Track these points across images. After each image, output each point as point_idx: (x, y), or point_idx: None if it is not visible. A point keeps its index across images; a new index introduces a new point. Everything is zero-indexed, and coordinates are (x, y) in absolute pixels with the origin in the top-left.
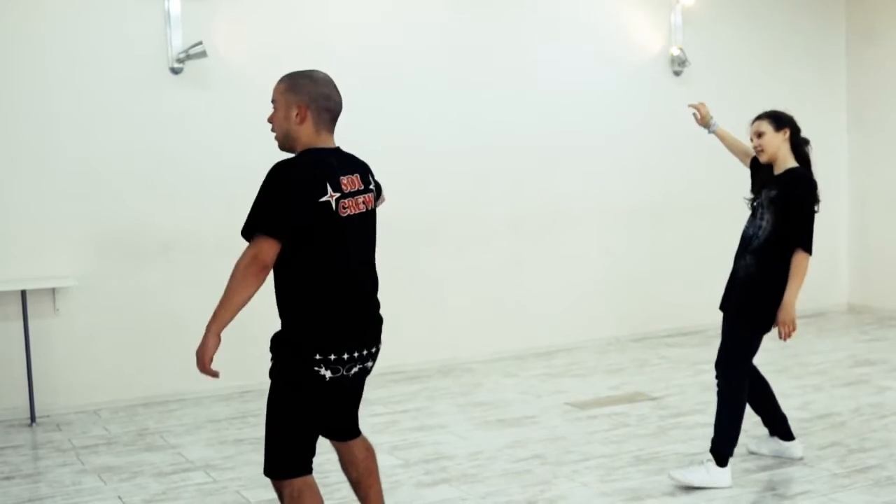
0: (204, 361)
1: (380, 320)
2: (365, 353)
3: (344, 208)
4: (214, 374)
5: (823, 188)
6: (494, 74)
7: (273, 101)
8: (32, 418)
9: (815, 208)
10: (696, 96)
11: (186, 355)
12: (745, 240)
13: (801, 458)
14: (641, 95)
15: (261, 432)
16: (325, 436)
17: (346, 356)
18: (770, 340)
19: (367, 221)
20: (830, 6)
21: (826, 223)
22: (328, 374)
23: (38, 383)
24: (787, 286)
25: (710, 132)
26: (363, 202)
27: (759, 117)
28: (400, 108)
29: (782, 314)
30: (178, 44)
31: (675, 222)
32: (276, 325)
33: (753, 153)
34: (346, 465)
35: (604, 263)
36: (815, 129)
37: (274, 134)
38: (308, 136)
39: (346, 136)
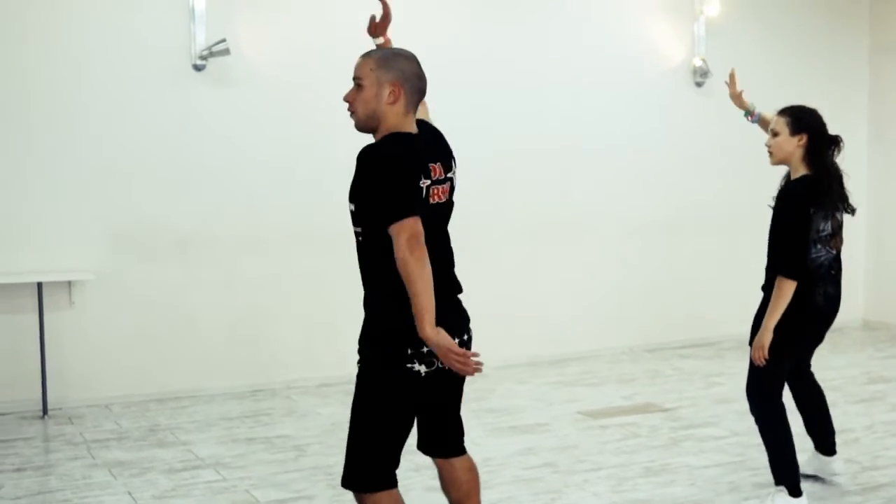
0: (456, 354)
1: (465, 310)
2: (457, 341)
3: (433, 196)
4: (479, 364)
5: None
6: (514, 80)
7: (358, 79)
8: (45, 411)
9: (823, 223)
10: (718, 108)
11: (200, 352)
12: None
13: (842, 473)
14: (662, 105)
15: (272, 431)
16: (428, 452)
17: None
18: None
19: (447, 211)
20: (854, 21)
21: (851, 238)
22: (423, 368)
23: (52, 376)
24: (767, 311)
25: (752, 121)
26: (443, 192)
27: (781, 112)
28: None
29: (756, 337)
30: (201, 41)
31: (691, 234)
32: (286, 325)
33: None
34: (448, 485)
35: (619, 273)
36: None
37: (352, 112)
38: (397, 117)
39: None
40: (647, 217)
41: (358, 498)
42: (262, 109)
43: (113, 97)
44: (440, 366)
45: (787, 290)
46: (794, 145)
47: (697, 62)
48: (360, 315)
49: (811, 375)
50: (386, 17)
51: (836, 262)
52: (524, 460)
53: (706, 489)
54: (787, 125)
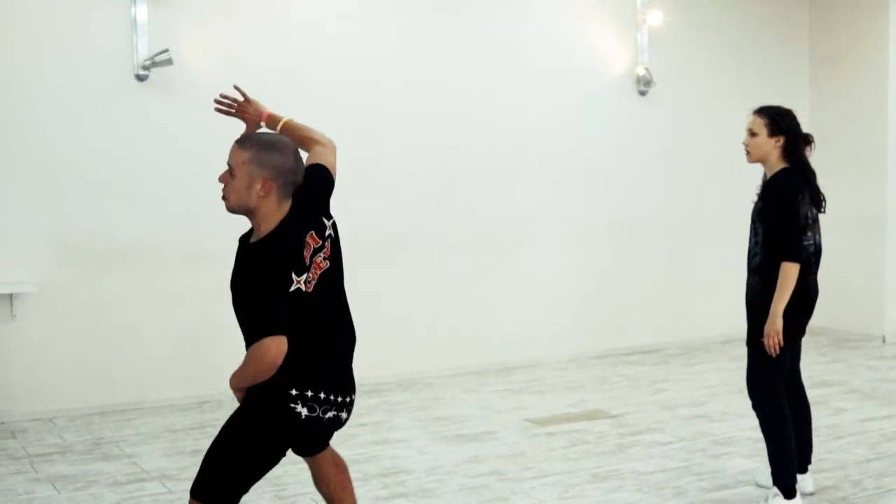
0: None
1: (352, 373)
2: (340, 399)
3: (309, 282)
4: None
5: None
6: (456, 88)
7: (230, 166)
8: None
9: (809, 212)
10: (661, 116)
11: (145, 364)
12: (748, 257)
13: (811, 494)
14: (606, 114)
15: None
16: (296, 453)
17: (322, 396)
18: (729, 360)
19: (331, 274)
20: (794, 30)
21: None
22: (304, 411)
23: None
24: (773, 298)
25: None
26: (324, 258)
27: (758, 112)
28: (361, 120)
29: (767, 326)
30: (143, 51)
31: (636, 242)
32: (231, 335)
33: None
34: (318, 481)
35: (564, 281)
36: None
37: (227, 200)
38: (269, 208)
39: None
40: (591, 225)
41: None
42: (205, 119)
43: (54, 107)
44: (320, 415)
45: (792, 273)
46: (771, 146)
47: (641, 71)
48: None
49: (801, 383)
50: (246, 101)
51: (817, 255)
52: (471, 468)
53: (652, 494)
54: (766, 126)
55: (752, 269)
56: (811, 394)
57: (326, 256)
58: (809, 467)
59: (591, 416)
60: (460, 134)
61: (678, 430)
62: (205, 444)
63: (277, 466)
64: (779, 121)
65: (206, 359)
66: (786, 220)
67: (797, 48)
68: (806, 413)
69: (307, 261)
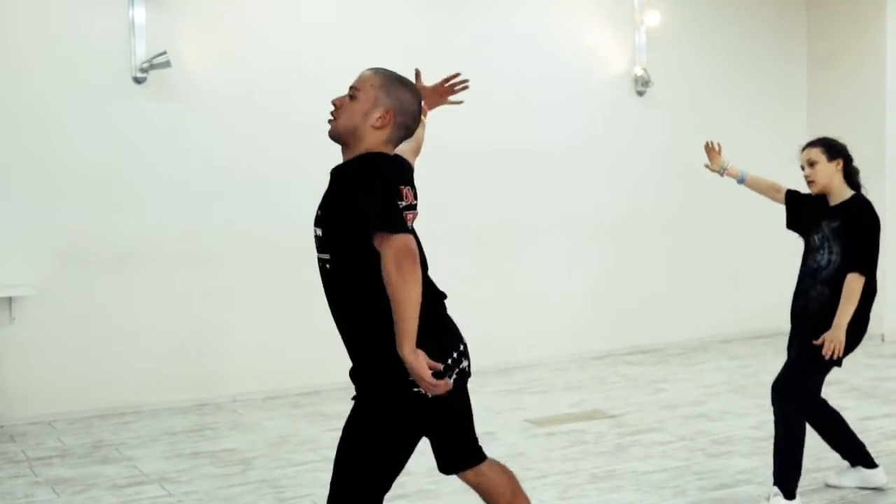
0: (429, 381)
1: (453, 324)
2: (455, 354)
3: (408, 217)
4: (447, 386)
5: (779, 208)
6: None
7: (354, 89)
8: None
9: (878, 235)
10: (659, 117)
11: (144, 367)
12: (813, 272)
13: (885, 485)
14: (604, 114)
15: (217, 445)
16: (448, 471)
17: (441, 365)
18: (728, 360)
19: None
20: (792, 31)
21: (781, 246)
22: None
23: None
24: (839, 308)
25: (738, 181)
26: (411, 218)
27: (811, 145)
28: None
29: (831, 332)
30: (141, 53)
31: (635, 241)
32: (230, 338)
33: (782, 187)
34: (490, 496)
35: (564, 281)
36: (774, 152)
37: (333, 118)
38: (376, 143)
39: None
40: (590, 225)
41: None
42: (203, 121)
43: (53, 110)
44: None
45: (859, 285)
46: (833, 170)
47: (639, 71)
48: (302, 328)
49: (825, 402)
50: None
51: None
52: None
53: (652, 494)
54: (823, 153)
55: (822, 281)
56: None
57: (413, 219)
58: (881, 462)
59: (591, 416)
60: (459, 134)
61: (678, 430)
62: (204, 446)
63: (275, 468)
64: (833, 145)
65: (204, 361)
66: (871, 238)
67: (795, 48)
68: (840, 419)
69: (406, 198)
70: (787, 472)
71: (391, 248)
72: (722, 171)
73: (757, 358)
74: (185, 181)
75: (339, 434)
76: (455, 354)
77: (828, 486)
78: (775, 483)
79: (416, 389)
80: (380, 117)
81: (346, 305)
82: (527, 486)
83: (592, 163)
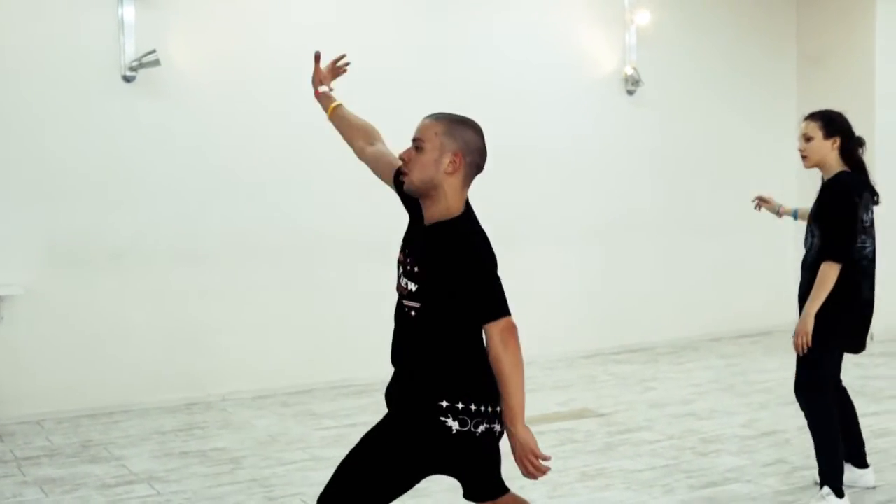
0: (536, 457)
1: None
2: (491, 408)
3: None
4: (546, 469)
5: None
6: (445, 88)
7: (418, 140)
8: None
9: (866, 214)
10: (649, 116)
11: (133, 366)
12: (804, 256)
13: (873, 488)
14: (594, 114)
15: (207, 444)
16: (473, 499)
17: (473, 407)
18: (717, 358)
19: None
20: (782, 30)
21: (769, 245)
22: (455, 425)
23: None
24: (809, 297)
25: (793, 217)
26: None
27: (811, 117)
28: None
29: (798, 324)
30: (130, 52)
31: (625, 241)
32: (220, 337)
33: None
34: None
35: (554, 280)
36: (765, 151)
37: (405, 173)
38: (454, 188)
39: (297, 147)
40: (580, 224)
41: None
42: (194, 120)
43: (42, 109)
44: (472, 430)
45: (832, 274)
46: (828, 148)
47: (629, 71)
48: (292, 327)
49: (842, 385)
50: (326, 67)
51: (874, 262)
52: None
53: (641, 492)
54: (821, 128)
55: (806, 267)
56: None
57: None
58: (868, 461)
59: (580, 414)
60: None
61: (666, 429)
62: (193, 445)
63: (264, 468)
64: (833, 122)
65: (194, 361)
66: (839, 221)
67: (785, 48)
68: (850, 411)
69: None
70: (833, 470)
71: (497, 330)
72: (779, 212)
73: (746, 357)
74: (177, 180)
75: (328, 433)
76: (489, 410)
77: (817, 483)
78: (823, 483)
79: (441, 418)
80: (451, 162)
81: (421, 348)
82: (516, 485)
83: (583, 162)
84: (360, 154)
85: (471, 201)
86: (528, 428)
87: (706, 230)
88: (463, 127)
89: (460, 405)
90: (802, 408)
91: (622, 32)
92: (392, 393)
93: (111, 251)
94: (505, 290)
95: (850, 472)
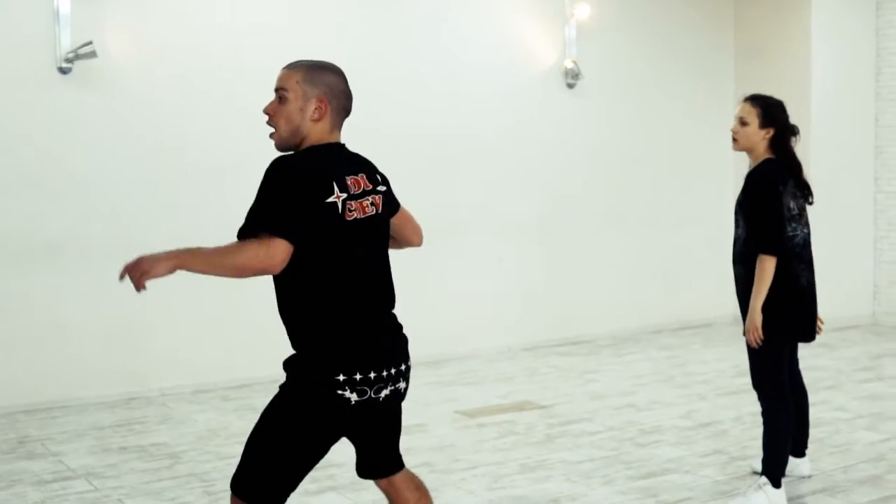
0: (144, 274)
1: (403, 335)
2: (394, 371)
3: (350, 211)
4: (143, 288)
5: (709, 200)
6: (385, 81)
7: (281, 90)
8: None
9: (794, 203)
10: (589, 109)
11: (71, 361)
12: (733, 248)
13: (808, 477)
14: (535, 107)
15: (146, 440)
16: (364, 475)
17: (372, 375)
18: (658, 350)
19: (375, 226)
20: (720, 23)
21: (710, 238)
22: (353, 396)
23: None
24: (752, 292)
25: None
26: (371, 204)
27: (751, 101)
28: None
29: (747, 321)
30: (66, 43)
31: (565, 233)
32: (160, 331)
33: None
34: None
35: (495, 272)
36: (704, 143)
37: (273, 129)
38: (321, 134)
39: (234, 139)
40: (521, 217)
41: (235, 501)
42: (131, 112)
43: None
44: (372, 396)
45: (769, 266)
46: (760, 136)
47: (569, 64)
48: (232, 320)
49: (799, 375)
50: None
51: (805, 246)
52: None
53: (581, 484)
54: (758, 117)
55: (736, 261)
56: (736, 383)
57: (377, 206)
58: (806, 451)
59: (521, 407)
60: (389, 128)
61: (607, 420)
62: (132, 440)
63: (204, 462)
64: (771, 112)
65: (134, 355)
66: (764, 211)
67: (723, 40)
68: (803, 401)
69: (350, 188)
70: (777, 461)
71: (253, 244)
72: None
73: (686, 349)
74: (114, 173)
75: None
76: (391, 372)
77: (754, 472)
78: (764, 472)
79: (339, 392)
80: (315, 108)
81: (285, 303)
82: (456, 477)
83: (524, 155)
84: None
85: (412, 193)
86: (170, 265)
87: (647, 222)
88: (323, 72)
89: (357, 376)
90: (761, 402)
91: (562, 26)
92: (288, 364)
93: (47, 244)
94: (435, 272)
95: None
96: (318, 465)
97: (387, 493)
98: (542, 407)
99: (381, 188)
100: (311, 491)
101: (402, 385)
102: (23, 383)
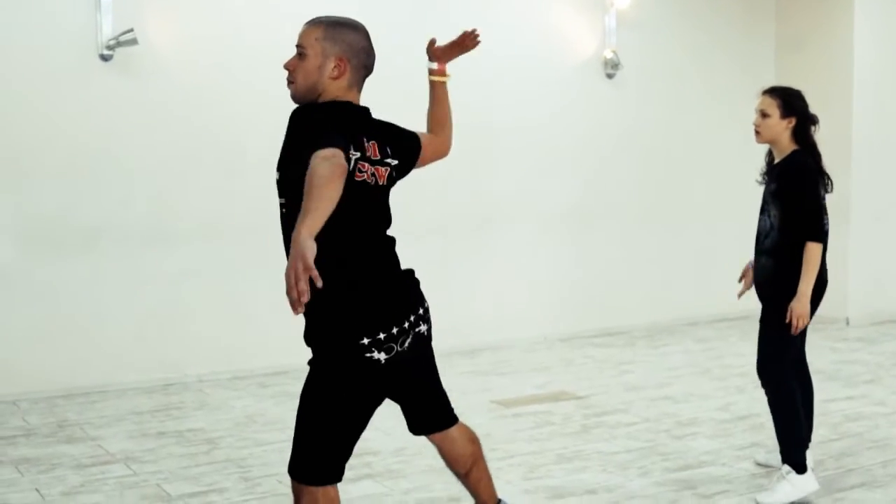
0: (306, 262)
1: (414, 278)
2: (412, 318)
3: (360, 172)
4: (317, 277)
5: (747, 192)
6: (423, 73)
7: (301, 47)
8: None
9: (823, 192)
10: (629, 99)
11: (110, 346)
12: (758, 238)
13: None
14: (574, 98)
15: (183, 425)
16: (418, 432)
17: (395, 329)
18: (694, 342)
19: (376, 196)
20: (760, 13)
21: (746, 230)
22: (382, 356)
23: None
24: (800, 278)
25: None
26: (373, 173)
27: (770, 93)
28: None
29: (795, 305)
30: (108, 30)
31: (603, 225)
32: (197, 318)
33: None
34: (451, 461)
35: (532, 263)
36: (743, 135)
37: (291, 82)
38: (339, 91)
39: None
40: (559, 208)
41: (296, 486)
42: (171, 99)
43: (17, 88)
44: (400, 349)
45: (817, 253)
46: (783, 127)
47: (608, 54)
48: (269, 307)
49: (805, 364)
50: (455, 45)
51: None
52: None
53: (617, 474)
54: (778, 107)
55: (764, 251)
56: None
57: (379, 179)
58: (809, 444)
59: (557, 397)
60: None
61: (643, 411)
62: (170, 425)
63: (241, 448)
64: (791, 102)
65: (170, 341)
66: (808, 200)
67: (764, 30)
68: (809, 393)
69: (367, 150)
70: (794, 447)
71: (316, 155)
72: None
73: (722, 340)
74: (154, 160)
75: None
76: (411, 320)
77: (757, 464)
78: (784, 461)
79: (367, 355)
80: (335, 66)
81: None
82: (493, 467)
83: (562, 146)
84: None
85: (450, 183)
86: (312, 239)
87: (684, 213)
88: (344, 29)
89: (381, 335)
90: (764, 385)
91: (602, 16)
92: (311, 338)
93: (87, 231)
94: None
95: None
96: (354, 454)
97: (441, 447)
98: (578, 398)
99: (391, 161)
100: (348, 479)
101: (423, 328)
102: (62, 368)
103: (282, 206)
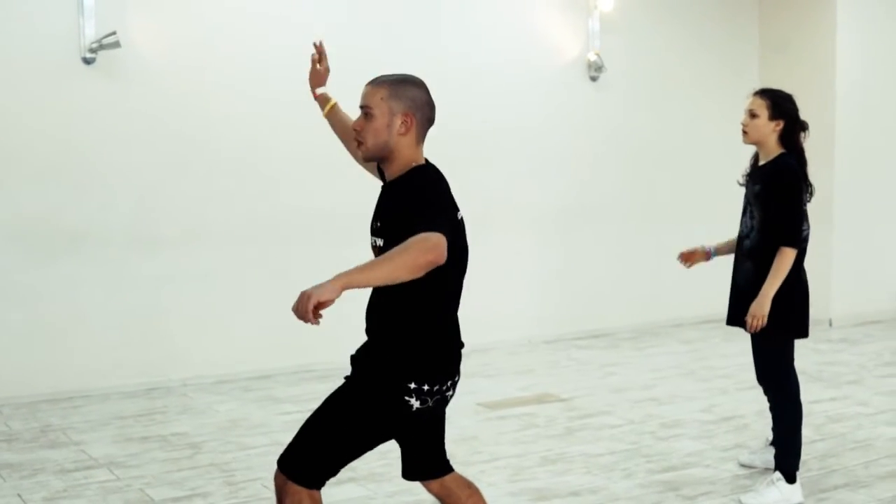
0: (311, 300)
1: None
2: (449, 382)
3: (464, 238)
4: (315, 321)
5: (731, 193)
6: (407, 71)
7: (367, 107)
8: None
9: (804, 199)
10: (613, 102)
11: (93, 351)
12: (740, 241)
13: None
14: (558, 101)
15: (167, 429)
16: (413, 477)
17: (436, 387)
18: (678, 344)
19: (466, 259)
20: (743, 15)
21: (731, 232)
22: (416, 404)
23: None
24: (766, 279)
25: (712, 256)
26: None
27: (761, 94)
28: (312, 106)
29: (755, 307)
30: (90, 33)
31: (587, 226)
32: (181, 322)
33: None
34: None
35: (515, 265)
36: (727, 136)
37: (361, 142)
38: (409, 147)
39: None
40: (543, 210)
41: (281, 482)
42: (154, 103)
43: None
44: (430, 405)
45: (789, 258)
46: (770, 129)
47: (592, 57)
48: (253, 312)
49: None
50: (324, 67)
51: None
52: None
53: (601, 476)
54: (767, 109)
55: (744, 253)
56: None
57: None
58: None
59: (542, 399)
60: None
61: (627, 413)
62: (154, 430)
63: (224, 452)
64: (780, 104)
65: (154, 345)
66: (790, 204)
67: (747, 32)
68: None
69: (460, 223)
70: (791, 458)
71: (419, 235)
72: (708, 257)
73: (706, 342)
74: (136, 163)
75: (289, 418)
76: (448, 384)
77: (741, 465)
78: (777, 468)
79: (406, 398)
80: (402, 123)
81: (385, 300)
82: (477, 469)
83: (546, 148)
84: (354, 155)
85: None
86: (339, 290)
87: (668, 215)
88: (406, 86)
89: (426, 387)
90: (768, 395)
91: (585, 18)
92: (360, 359)
93: (69, 236)
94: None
95: (769, 454)
96: None
97: (439, 495)
98: (563, 400)
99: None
100: (331, 482)
101: (450, 393)
102: (45, 373)
103: (379, 247)
